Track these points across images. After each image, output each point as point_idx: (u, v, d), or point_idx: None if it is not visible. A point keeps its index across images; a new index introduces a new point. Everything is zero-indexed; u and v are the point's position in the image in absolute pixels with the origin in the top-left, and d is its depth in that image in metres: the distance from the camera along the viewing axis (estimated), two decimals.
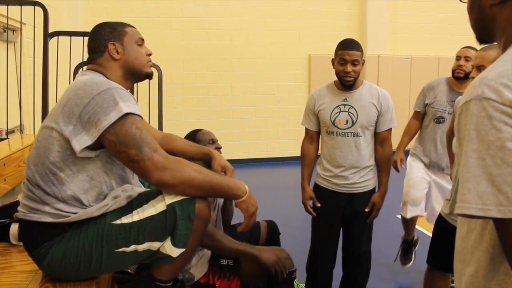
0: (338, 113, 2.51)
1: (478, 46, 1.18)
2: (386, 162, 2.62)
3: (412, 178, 3.18)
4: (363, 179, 2.57)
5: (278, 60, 7.53)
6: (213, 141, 2.40)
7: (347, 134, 2.51)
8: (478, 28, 1.04)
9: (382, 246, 3.57)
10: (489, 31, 1.01)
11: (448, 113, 3.03)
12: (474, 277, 0.93)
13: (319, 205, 2.62)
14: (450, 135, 2.72)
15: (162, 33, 6.68)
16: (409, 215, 3.19)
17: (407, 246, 3.36)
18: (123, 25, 1.77)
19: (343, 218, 2.64)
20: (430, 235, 2.36)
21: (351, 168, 2.54)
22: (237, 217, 2.24)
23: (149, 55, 1.78)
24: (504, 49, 0.96)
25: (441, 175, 3.17)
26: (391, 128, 2.58)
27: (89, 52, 1.74)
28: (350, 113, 2.49)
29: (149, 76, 1.79)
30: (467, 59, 2.94)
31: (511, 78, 0.81)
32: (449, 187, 3.14)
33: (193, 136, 2.43)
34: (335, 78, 2.56)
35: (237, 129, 7.41)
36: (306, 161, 2.70)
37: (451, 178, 2.95)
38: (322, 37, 7.53)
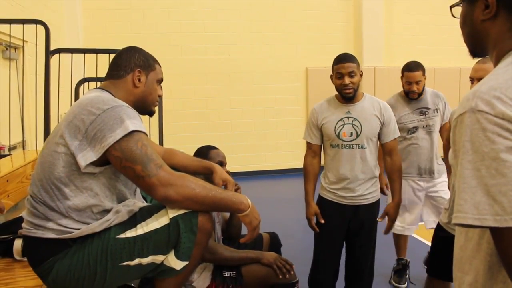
0: (342, 126, 2.53)
1: (471, 59, 1.21)
2: (397, 172, 2.63)
3: (405, 199, 3.16)
4: (368, 191, 2.58)
5: (276, 73, 7.59)
6: (221, 163, 2.37)
7: (353, 146, 2.52)
8: (471, 42, 1.07)
9: (382, 256, 3.58)
10: (482, 46, 1.04)
11: (418, 121, 3.15)
12: (473, 286, 0.95)
13: (323, 221, 2.61)
14: (447, 145, 2.75)
15: (161, 48, 6.72)
16: (406, 233, 3.30)
17: (402, 267, 3.35)
18: (155, 60, 1.84)
19: (348, 230, 2.64)
20: (428, 243, 2.38)
21: (357, 180, 2.54)
22: (243, 230, 2.28)
23: (160, 96, 1.86)
24: (496, 63, 0.99)
25: (431, 182, 3.22)
26: (396, 138, 2.60)
27: (113, 67, 1.77)
28: (354, 125, 2.51)
29: (151, 114, 1.87)
30: (417, 83, 3.08)
31: (503, 91, 0.84)
32: (441, 194, 3.20)
33: (206, 151, 2.43)
34: (333, 91, 2.59)
35: (236, 142, 7.44)
36: (309, 175, 2.68)
37: (448, 187, 2.97)
38: (319, 50, 7.61)
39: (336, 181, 2.58)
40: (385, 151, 2.63)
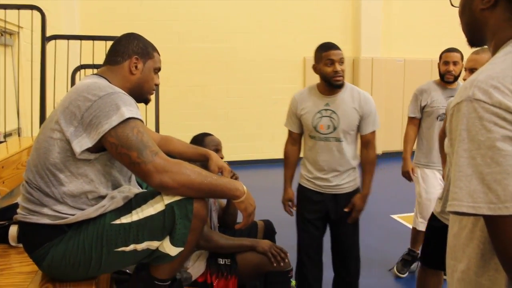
0: (320, 118, 2.50)
1: (469, 49, 1.21)
2: (370, 165, 2.60)
3: (431, 193, 3.18)
4: (345, 181, 2.57)
5: (274, 62, 7.57)
6: (217, 150, 2.38)
7: (329, 139, 2.51)
8: (469, 32, 1.07)
9: (375, 244, 3.61)
10: (480, 35, 1.03)
11: None
12: (465, 273, 0.95)
13: (294, 209, 2.67)
14: (442, 135, 2.76)
15: (159, 36, 6.65)
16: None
17: (411, 259, 3.35)
18: (154, 49, 1.83)
19: (329, 219, 2.65)
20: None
21: (333, 171, 2.54)
22: (238, 218, 2.29)
23: (157, 85, 1.85)
24: (494, 52, 0.98)
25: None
26: (375, 131, 2.56)
27: (111, 53, 1.76)
28: (331, 118, 2.48)
29: (147, 102, 1.86)
30: (455, 63, 3.05)
31: (500, 80, 0.84)
32: None
33: (202, 138, 2.44)
34: None
35: (233, 131, 7.43)
36: (289, 162, 2.72)
37: (443, 177, 2.99)
38: (317, 40, 7.48)
39: (313, 171, 2.59)
40: (362, 143, 2.59)
